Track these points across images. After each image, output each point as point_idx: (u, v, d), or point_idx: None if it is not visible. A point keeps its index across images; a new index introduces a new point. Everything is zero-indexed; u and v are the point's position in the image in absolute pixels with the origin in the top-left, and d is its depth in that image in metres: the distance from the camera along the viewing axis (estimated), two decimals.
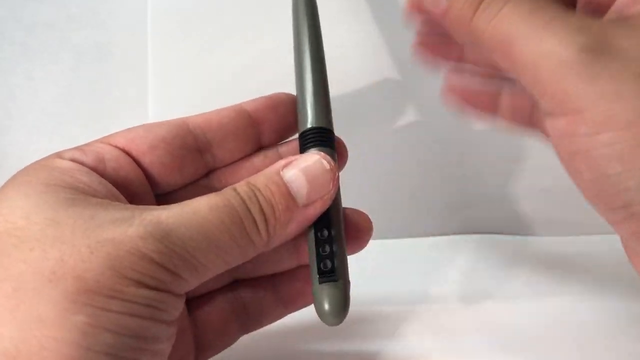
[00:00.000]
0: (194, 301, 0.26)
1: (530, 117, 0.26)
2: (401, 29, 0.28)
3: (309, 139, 0.26)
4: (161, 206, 0.21)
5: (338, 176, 0.24)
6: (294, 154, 0.26)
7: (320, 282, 0.24)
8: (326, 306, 0.23)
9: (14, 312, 0.18)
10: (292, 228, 0.23)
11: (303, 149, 0.26)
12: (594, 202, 0.20)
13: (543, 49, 0.19)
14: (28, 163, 0.38)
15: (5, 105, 0.38)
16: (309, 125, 0.26)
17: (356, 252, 0.26)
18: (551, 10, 0.20)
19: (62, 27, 0.37)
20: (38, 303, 0.18)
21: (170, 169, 0.25)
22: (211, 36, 0.36)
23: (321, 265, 0.24)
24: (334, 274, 0.24)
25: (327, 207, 0.24)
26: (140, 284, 0.19)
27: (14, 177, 0.22)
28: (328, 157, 0.24)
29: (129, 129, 0.25)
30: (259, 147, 0.28)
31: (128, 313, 0.19)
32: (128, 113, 0.38)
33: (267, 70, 0.36)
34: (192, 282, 0.21)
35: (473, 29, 0.21)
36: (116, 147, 0.24)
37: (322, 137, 0.26)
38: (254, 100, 0.27)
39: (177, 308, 0.21)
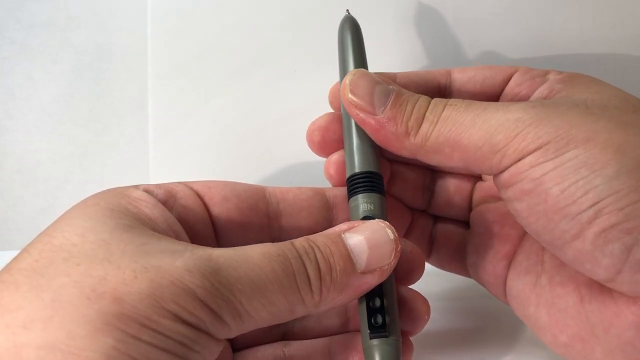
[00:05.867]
0: (240, 353, 0.26)
1: (461, 260, 0.29)
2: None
3: (357, 183, 0.25)
4: (216, 248, 0.21)
5: (401, 248, 0.23)
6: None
7: (371, 338, 0.23)
8: None
9: (47, 322, 0.17)
10: (347, 294, 0.22)
11: (351, 194, 0.25)
12: (556, 219, 0.21)
13: (495, 120, 0.22)
14: (28, 163, 0.39)
15: (5, 105, 0.38)
16: (357, 170, 0.25)
17: (411, 335, 0.25)
18: (482, 103, 0.23)
19: (62, 27, 0.37)
20: (71, 318, 0.17)
21: (235, 225, 0.25)
22: (211, 36, 0.36)
23: (372, 319, 0.23)
24: (384, 329, 0.23)
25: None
26: (178, 318, 0.18)
27: (87, 199, 0.22)
28: (393, 228, 0.23)
29: (211, 180, 0.26)
30: None
31: (159, 346, 0.18)
32: (128, 113, 0.38)
33: (267, 69, 0.36)
34: (233, 329, 0.20)
35: (413, 142, 0.24)
36: (191, 188, 0.25)
37: (371, 182, 0.25)
38: (335, 188, 0.27)
39: (213, 353, 0.20)
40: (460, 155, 0.23)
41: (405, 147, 0.24)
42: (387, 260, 0.22)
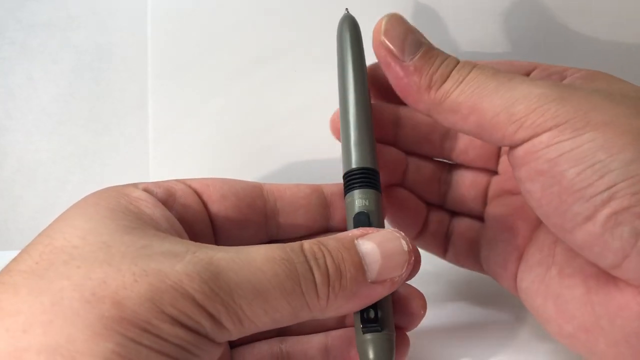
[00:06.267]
0: (237, 350, 0.26)
1: (475, 256, 0.29)
2: None
3: (354, 179, 0.25)
4: (220, 246, 0.20)
5: (413, 260, 0.23)
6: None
7: (364, 332, 0.23)
8: (371, 357, 0.22)
9: (47, 327, 0.17)
10: (354, 303, 0.22)
11: (347, 189, 0.25)
12: (569, 202, 0.21)
13: (518, 91, 0.22)
14: (28, 163, 0.38)
15: (5, 105, 0.38)
16: (353, 166, 0.26)
17: (408, 331, 0.25)
18: (509, 73, 0.23)
19: (62, 27, 0.37)
20: (72, 322, 0.17)
21: (233, 223, 0.25)
22: (211, 36, 0.36)
23: (364, 314, 0.23)
24: (377, 323, 0.23)
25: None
26: (177, 322, 0.18)
27: (86, 198, 0.22)
28: (407, 239, 0.23)
29: (209, 177, 0.26)
30: (326, 230, 0.27)
31: (159, 350, 0.18)
32: (128, 113, 0.38)
33: (267, 69, 0.36)
34: (233, 333, 0.20)
35: (433, 97, 0.24)
36: (190, 186, 0.25)
37: (367, 178, 0.25)
38: (333, 185, 0.27)
39: (213, 357, 0.20)
40: (476, 119, 0.23)
41: (423, 100, 0.24)
42: (399, 271, 0.22)
